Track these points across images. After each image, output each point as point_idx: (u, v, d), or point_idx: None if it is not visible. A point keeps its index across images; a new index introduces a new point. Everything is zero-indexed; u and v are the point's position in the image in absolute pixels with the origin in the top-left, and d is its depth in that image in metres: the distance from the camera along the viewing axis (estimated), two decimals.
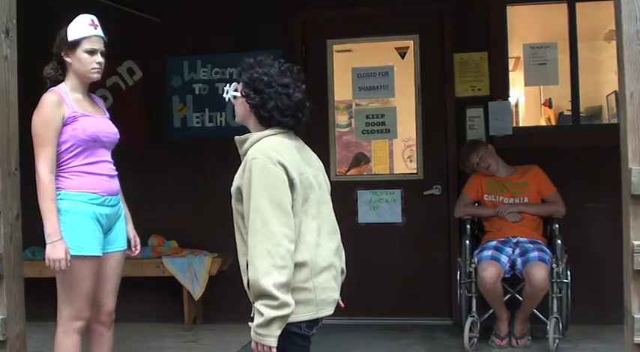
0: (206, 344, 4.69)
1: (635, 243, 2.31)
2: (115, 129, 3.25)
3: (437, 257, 5.10)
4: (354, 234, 5.10)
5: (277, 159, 2.22)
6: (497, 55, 5.06)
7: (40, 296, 4.29)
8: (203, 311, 5.21)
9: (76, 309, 3.07)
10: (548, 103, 6.43)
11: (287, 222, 2.19)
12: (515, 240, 4.42)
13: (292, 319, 2.23)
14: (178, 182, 5.27)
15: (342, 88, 5.46)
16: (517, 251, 4.38)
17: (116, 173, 3.23)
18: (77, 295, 3.05)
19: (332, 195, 2.45)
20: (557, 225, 4.44)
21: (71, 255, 2.94)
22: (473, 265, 4.40)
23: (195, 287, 4.97)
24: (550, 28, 5.59)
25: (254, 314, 2.22)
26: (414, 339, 4.70)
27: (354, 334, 4.83)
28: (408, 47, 5.30)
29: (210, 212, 5.05)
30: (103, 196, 3.09)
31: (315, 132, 4.85)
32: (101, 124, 3.13)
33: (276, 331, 2.15)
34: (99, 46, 3.12)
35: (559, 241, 4.35)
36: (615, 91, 5.44)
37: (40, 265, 5.15)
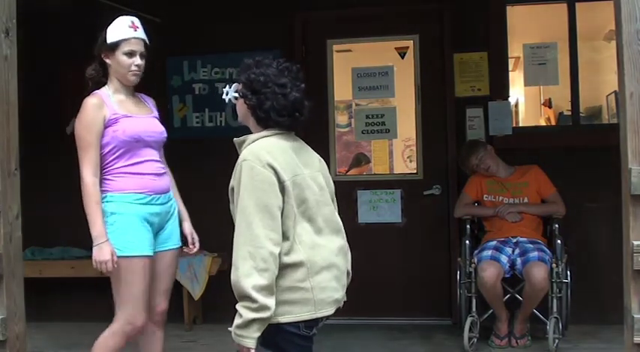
0: (206, 344, 4.70)
1: (635, 243, 2.31)
2: (161, 129, 3.22)
3: (437, 257, 5.10)
4: (354, 234, 5.06)
5: (267, 161, 2.22)
6: (497, 55, 5.06)
7: (40, 296, 4.29)
8: (203, 311, 5.21)
9: (131, 313, 3.05)
10: (548, 103, 6.43)
11: (272, 225, 2.19)
12: (515, 240, 4.43)
13: (290, 319, 2.24)
14: (178, 182, 5.24)
15: (342, 88, 5.46)
16: (517, 251, 4.38)
17: (164, 171, 3.22)
18: (130, 297, 3.03)
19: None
20: (557, 225, 4.44)
21: (119, 256, 2.94)
22: (473, 265, 4.40)
23: (195, 287, 4.97)
24: (550, 28, 5.58)
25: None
26: (414, 339, 4.70)
27: (354, 334, 4.83)
28: (408, 47, 5.30)
29: (210, 212, 5.04)
30: (150, 195, 3.07)
31: (314, 132, 4.85)
32: (143, 124, 3.10)
33: (254, 333, 2.16)
34: (138, 48, 3.07)
35: (559, 241, 4.35)
36: (615, 91, 5.44)
37: (40, 265, 5.21)
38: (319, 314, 2.30)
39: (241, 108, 2.39)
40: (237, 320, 2.17)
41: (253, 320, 2.14)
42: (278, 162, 2.24)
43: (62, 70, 5.53)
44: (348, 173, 6.37)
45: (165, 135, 3.24)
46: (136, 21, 3.10)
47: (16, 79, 2.58)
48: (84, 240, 5.43)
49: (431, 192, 5.15)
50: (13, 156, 2.57)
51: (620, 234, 2.41)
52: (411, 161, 6.48)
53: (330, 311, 2.35)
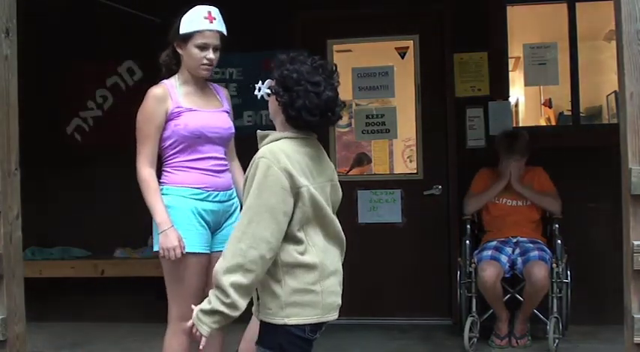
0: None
1: (635, 243, 2.31)
2: (228, 124, 3.05)
3: (437, 257, 5.10)
4: (354, 234, 5.08)
5: (285, 165, 2.19)
6: (497, 55, 5.06)
7: (40, 296, 4.29)
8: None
9: (184, 309, 2.83)
10: (548, 103, 6.43)
11: (273, 228, 2.16)
12: (515, 240, 4.43)
13: (298, 321, 2.23)
14: None
15: (342, 88, 5.42)
16: (517, 251, 4.38)
17: (226, 168, 3.06)
18: (183, 293, 2.92)
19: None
20: (557, 225, 4.44)
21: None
22: (473, 265, 4.41)
23: None
24: (550, 28, 5.58)
25: (254, 310, 2.26)
26: (414, 339, 4.70)
27: (354, 334, 4.82)
28: (408, 47, 5.30)
29: None
30: (208, 191, 2.95)
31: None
32: (208, 119, 2.95)
33: (214, 324, 2.15)
34: (212, 41, 2.91)
35: (559, 241, 4.35)
36: (615, 91, 5.44)
37: (40, 265, 5.21)
38: (325, 319, 2.29)
39: (273, 105, 2.34)
40: (204, 305, 2.17)
41: (219, 313, 2.14)
42: (295, 168, 2.20)
43: (62, 70, 5.54)
44: (349, 173, 6.37)
45: (233, 131, 3.07)
46: (214, 11, 2.94)
47: (16, 79, 2.58)
48: (84, 240, 5.49)
49: (431, 192, 5.15)
50: (13, 156, 2.57)
51: (620, 234, 2.41)
52: (411, 161, 6.48)
53: (334, 316, 2.34)
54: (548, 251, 4.33)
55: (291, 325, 2.22)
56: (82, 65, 5.51)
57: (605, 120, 5.93)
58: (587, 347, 4.35)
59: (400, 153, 6.94)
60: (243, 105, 5.09)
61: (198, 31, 2.86)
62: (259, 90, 2.35)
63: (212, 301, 2.14)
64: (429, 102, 5.19)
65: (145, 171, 2.89)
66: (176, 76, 2.97)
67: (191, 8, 2.92)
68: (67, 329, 5.13)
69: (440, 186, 5.14)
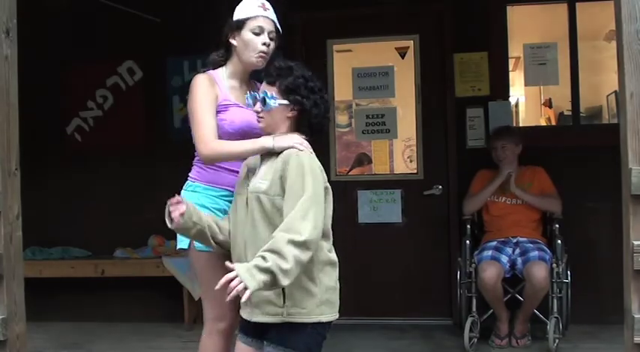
0: None
1: (635, 243, 2.31)
2: None
3: (437, 257, 5.10)
4: (355, 234, 5.11)
5: (318, 162, 2.32)
6: (497, 55, 5.06)
7: (40, 296, 4.29)
8: (203, 312, 5.20)
9: (218, 309, 2.78)
10: (548, 103, 6.42)
11: (322, 218, 2.24)
12: (515, 240, 4.43)
13: (328, 318, 2.32)
14: (179, 182, 5.25)
15: (342, 88, 5.46)
16: (517, 251, 4.38)
17: None
18: (216, 294, 2.82)
19: (333, 194, 2.45)
20: (557, 225, 4.44)
21: (198, 250, 2.78)
22: (473, 265, 4.41)
23: (195, 287, 4.96)
24: (550, 28, 5.58)
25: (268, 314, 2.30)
26: (414, 339, 4.70)
27: (354, 334, 4.82)
28: (408, 47, 5.30)
29: None
30: None
31: None
32: (252, 118, 2.68)
33: (262, 283, 2.11)
34: (267, 26, 2.75)
35: (559, 241, 4.35)
36: (615, 91, 5.44)
37: (40, 265, 5.21)
38: (336, 316, 2.38)
39: (279, 114, 2.38)
40: (259, 262, 2.12)
41: (272, 274, 2.11)
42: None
43: (62, 70, 5.54)
44: (350, 173, 6.37)
45: None
46: (267, 3, 2.83)
47: (16, 79, 2.57)
48: (84, 240, 5.50)
49: (431, 192, 5.15)
50: (13, 156, 2.56)
51: (620, 234, 2.41)
52: (411, 161, 6.48)
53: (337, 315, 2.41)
54: (548, 251, 4.33)
55: (324, 322, 2.29)
56: (82, 65, 5.51)
57: (605, 120, 5.92)
58: (587, 347, 4.35)
59: (400, 153, 6.93)
60: None
61: (252, 17, 2.75)
62: (272, 100, 2.36)
63: (269, 261, 2.11)
64: (429, 102, 5.19)
65: (208, 150, 2.65)
66: (223, 68, 2.86)
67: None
68: (67, 329, 5.13)
69: (440, 186, 5.14)
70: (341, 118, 6.52)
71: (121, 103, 5.55)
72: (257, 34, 2.73)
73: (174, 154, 5.52)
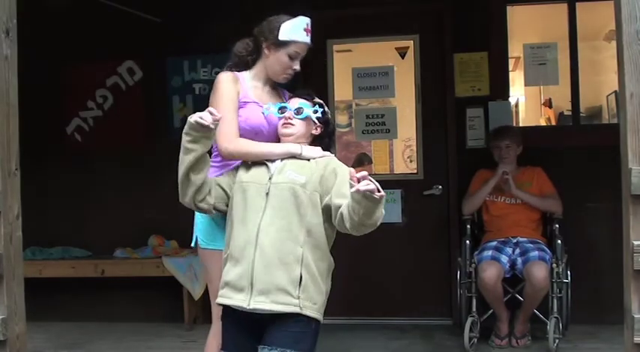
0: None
1: (635, 243, 2.31)
2: None
3: (437, 257, 5.10)
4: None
5: None
6: (497, 55, 5.06)
7: (40, 296, 4.29)
8: (203, 311, 5.20)
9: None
10: (548, 103, 6.43)
11: None
12: (515, 240, 4.43)
13: (321, 320, 2.42)
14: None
15: (342, 88, 5.46)
16: (517, 251, 4.38)
17: None
18: (213, 288, 2.82)
19: None
20: (557, 225, 4.44)
21: (204, 248, 2.81)
22: (473, 265, 4.41)
23: (196, 287, 4.97)
24: (550, 28, 5.59)
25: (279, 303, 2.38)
26: (414, 339, 4.70)
27: (354, 334, 4.83)
28: (408, 47, 5.30)
29: None
30: None
31: None
32: (271, 117, 2.78)
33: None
34: (303, 52, 2.86)
35: (559, 241, 4.35)
36: (615, 91, 5.44)
37: (40, 265, 5.21)
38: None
39: (306, 127, 2.64)
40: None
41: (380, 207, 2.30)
42: None
43: (62, 70, 5.54)
44: None
45: None
46: (310, 24, 2.89)
47: (16, 79, 2.57)
48: (84, 240, 5.50)
49: (431, 192, 5.15)
50: (13, 156, 2.56)
51: (620, 234, 2.41)
52: (411, 161, 6.48)
53: None
54: (548, 251, 4.33)
55: (320, 323, 2.41)
56: (82, 65, 5.51)
57: (605, 120, 5.93)
58: (587, 347, 4.35)
59: (400, 153, 6.94)
60: None
61: (296, 42, 2.81)
62: (310, 111, 2.62)
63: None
64: (429, 102, 5.19)
65: (230, 147, 2.68)
66: (247, 71, 2.89)
67: (291, 15, 2.89)
68: (67, 329, 5.13)
69: (440, 186, 5.14)
70: (341, 118, 6.52)
71: (121, 103, 5.55)
72: (291, 59, 2.81)
73: (174, 154, 5.53)
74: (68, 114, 5.62)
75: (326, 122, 2.68)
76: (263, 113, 2.73)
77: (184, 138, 2.52)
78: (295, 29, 2.79)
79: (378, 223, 2.33)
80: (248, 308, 2.38)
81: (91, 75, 5.53)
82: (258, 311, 2.37)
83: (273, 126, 2.77)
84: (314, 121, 2.64)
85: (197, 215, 2.89)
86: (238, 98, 2.78)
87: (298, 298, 2.34)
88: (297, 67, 2.82)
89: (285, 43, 2.78)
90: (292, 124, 2.63)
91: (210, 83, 5.45)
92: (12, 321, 2.47)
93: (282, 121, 2.64)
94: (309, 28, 2.84)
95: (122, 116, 5.53)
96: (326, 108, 2.70)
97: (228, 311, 2.50)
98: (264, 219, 2.43)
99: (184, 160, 2.55)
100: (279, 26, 2.80)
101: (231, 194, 2.57)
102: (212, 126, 2.45)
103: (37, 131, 4.96)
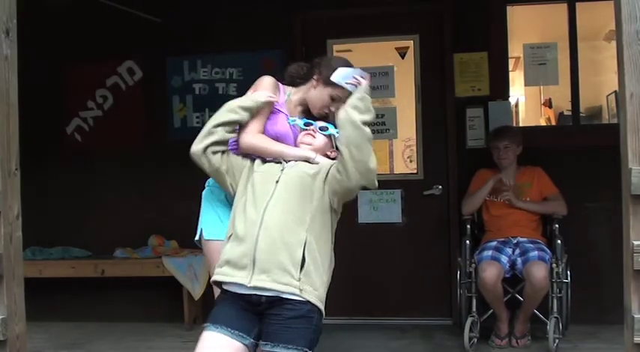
0: None
1: (635, 243, 2.31)
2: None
3: (437, 257, 5.10)
4: (354, 234, 5.10)
5: None
6: (497, 55, 5.06)
7: (40, 296, 4.29)
8: (203, 311, 5.20)
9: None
10: (548, 103, 6.43)
11: None
12: (515, 241, 4.42)
13: (322, 310, 2.44)
14: (178, 182, 5.27)
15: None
16: (517, 251, 4.38)
17: None
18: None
19: None
20: (557, 225, 4.44)
21: (207, 239, 2.91)
22: (473, 265, 4.41)
23: (196, 287, 4.98)
24: (550, 28, 5.59)
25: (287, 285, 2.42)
26: (414, 339, 4.70)
27: (354, 334, 4.83)
28: (408, 47, 5.30)
29: None
30: None
31: None
32: (295, 130, 2.97)
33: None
34: (345, 99, 2.91)
35: (559, 241, 4.35)
36: (615, 91, 5.44)
37: (40, 265, 5.21)
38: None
39: (327, 145, 2.77)
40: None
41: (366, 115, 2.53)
42: None
43: (62, 70, 5.54)
44: None
45: None
46: (363, 76, 2.96)
47: (16, 79, 2.57)
48: (84, 240, 5.50)
49: (431, 192, 5.15)
50: (13, 156, 2.56)
51: (620, 233, 2.41)
52: (411, 161, 6.48)
53: None
54: (548, 251, 4.33)
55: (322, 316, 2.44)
56: (82, 65, 5.51)
57: (605, 120, 5.93)
58: (587, 347, 4.35)
59: (400, 153, 6.94)
60: None
61: (342, 87, 2.91)
62: (335, 132, 2.74)
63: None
64: (429, 102, 5.19)
65: (247, 139, 2.82)
66: (290, 87, 3.05)
67: (345, 62, 2.99)
68: (67, 329, 5.13)
69: (440, 186, 5.14)
70: None
71: (121, 103, 5.55)
72: (332, 100, 2.93)
73: (173, 154, 5.54)
74: (68, 114, 5.62)
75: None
76: (289, 122, 2.89)
77: (241, 102, 2.74)
78: (346, 76, 2.89)
79: (369, 140, 2.49)
80: (249, 285, 2.40)
81: (91, 75, 5.53)
82: (258, 291, 2.39)
83: (295, 138, 2.93)
84: (334, 143, 2.75)
85: (203, 209, 2.99)
86: (273, 104, 2.92)
87: (299, 280, 2.37)
88: (333, 108, 2.92)
89: (332, 84, 2.89)
90: (313, 136, 2.78)
91: (210, 83, 5.52)
92: (12, 321, 2.47)
93: (305, 132, 2.80)
94: (360, 80, 2.91)
95: (122, 116, 5.53)
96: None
97: (225, 293, 2.51)
98: (271, 202, 2.51)
99: (225, 116, 2.72)
100: (335, 68, 2.90)
101: (239, 178, 2.68)
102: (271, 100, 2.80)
103: (37, 131, 4.96)
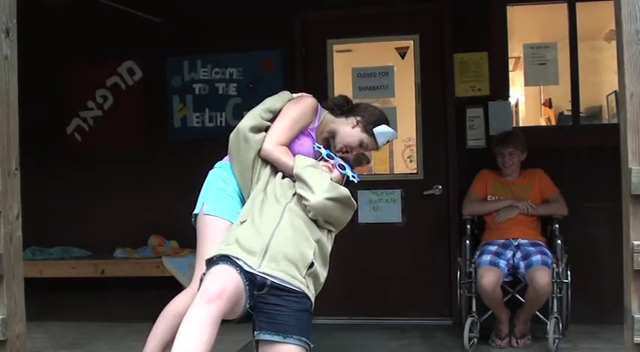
0: None
1: (635, 243, 2.31)
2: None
3: (437, 257, 5.10)
4: (354, 234, 5.09)
5: None
6: (497, 55, 5.06)
7: (40, 296, 4.29)
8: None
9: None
10: (548, 103, 6.43)
11: None
12: (516, 243, 4.41)
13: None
14: (178, 182, 5.27)
15: (342, 88, 5.44)
16: (518, 254, 4.36)
17: None
18: (203, 251, 2.92)
19: None
20: (557, 225, 4.43)
21: (207, 213, 2.96)
22: (473, 265, 4.40)
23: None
24: (550, 28, 5.59)
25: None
26: (414, 339, 4.70)
27: (354, 334, 4.83)
28: (408, 47, 5.30)
29: None
30: None
31: None
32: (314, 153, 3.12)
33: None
34: (371, 150, 3.22)
35: (559, 241, 4.34)
36: (615, 91, 5.44)
37: (40, 265, 5.21)
38: None
39: (337, 179, 2.93)
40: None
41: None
42: None
43: (62, 70, 5.54)
44: None
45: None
46: (393, 140, 3.24)
47: (16, 79, 2.57)
48: (84, 240, 5.50)
49: (431, 192, 5.15)
50: (13, 156, 2.56)
51: (620, 233, 2.41)
52: (411, 161, 6.48)
53: None
54: (550, 253, 4.31)
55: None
56: (82, 65, 5.51)
57: (605, 120, 5.92)
58: (587, 347, 4.35)
59: (400, 153, 6.94)
60: (243, 105, 5.10)
61: (375, 140, 3.09)
62: (357, 180, 3.01)
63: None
64: (428, 102, 5.19)
65: (279, 146, 2.95)
66: (326, 111, 3.14)
67: (386, 120, 3.14)
68: (67, 329, 5.13)
69: (440, 186, 5.14)
70: None
71: (121, 103, 5.55)
72: (360, 145, 3.09)
73: (173, 154, 5.55)
74: (68, 114, 5.62)
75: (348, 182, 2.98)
76: (314, 147, 3.02)
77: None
78: (383, 136, 3.09)
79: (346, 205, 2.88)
80: (257, 270, 2.43)
81: (91, 75, 5.53)
82: (264, 276, 2.43)
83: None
84: (345, 180, 2.94)
85: (208, 182, 3.07)
86: (308, 125, 3.06)
87: (304, 278, 2.47)
88: (354, 153, 3.10)
89: (370, 134, 3.06)
90: (330, 170, 2.90)
91: (210, 83, 5.53)
92: (12, 321, 2.47)
93: (323, 162, 2.92)
94: (388, 143, 3.20)
95: (122, 116, 5.53)
96: (356, 181, 3.00)
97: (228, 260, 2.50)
98: (290, 205, 2.64)
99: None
100: (379, 123, 3.07)
101: (267, 167, 2.86)
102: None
103: (37, 131, 4.96)
